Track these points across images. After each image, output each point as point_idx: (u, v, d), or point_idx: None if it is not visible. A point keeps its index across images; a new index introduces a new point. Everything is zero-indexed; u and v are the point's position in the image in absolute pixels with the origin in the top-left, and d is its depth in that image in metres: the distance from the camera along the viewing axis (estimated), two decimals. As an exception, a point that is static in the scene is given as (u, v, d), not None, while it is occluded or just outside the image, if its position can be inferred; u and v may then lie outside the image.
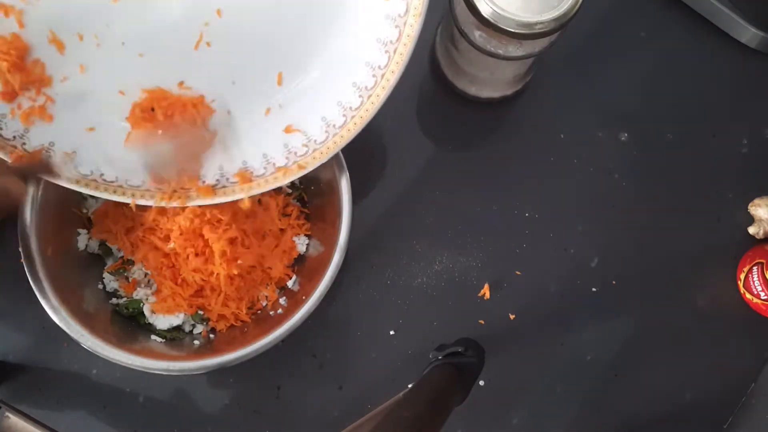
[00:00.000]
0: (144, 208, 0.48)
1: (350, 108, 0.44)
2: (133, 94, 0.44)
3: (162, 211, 0.48)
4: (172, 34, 0.43)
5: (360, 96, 0.43)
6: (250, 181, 0.45)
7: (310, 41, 0.44)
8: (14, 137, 0.42)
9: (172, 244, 0.47)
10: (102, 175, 0.44)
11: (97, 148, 0.44)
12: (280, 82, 0.45)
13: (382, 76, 0.43)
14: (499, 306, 0.53)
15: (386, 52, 0.42)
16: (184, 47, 0.43)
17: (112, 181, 0.44)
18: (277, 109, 0.45)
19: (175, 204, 0.45)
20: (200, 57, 0.44)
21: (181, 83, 0.44)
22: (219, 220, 0.47)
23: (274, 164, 0.45)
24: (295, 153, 0.45)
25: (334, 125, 0.44)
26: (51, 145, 0.43)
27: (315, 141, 0.45)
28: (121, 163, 0.44)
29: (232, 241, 0.47)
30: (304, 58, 0.44)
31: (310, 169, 0.44)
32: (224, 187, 0.45)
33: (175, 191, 0.44)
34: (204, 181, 0.45)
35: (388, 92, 0.43)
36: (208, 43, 0.43)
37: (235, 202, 0.49)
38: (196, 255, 0.47)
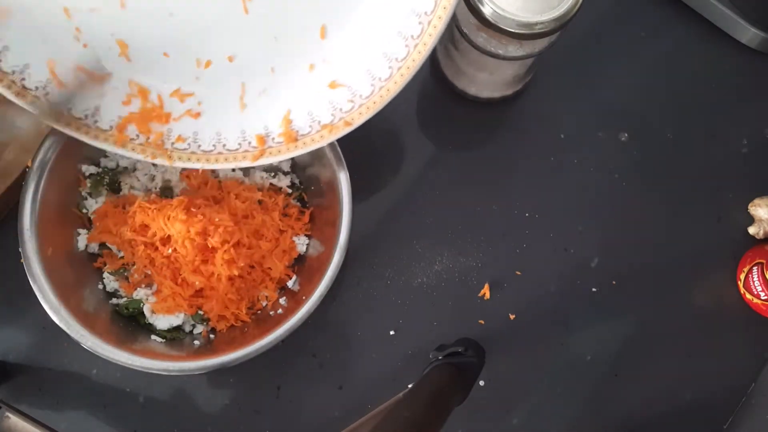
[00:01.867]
0: (133, 210, 0.48)
1: (396, 59, 0.42)
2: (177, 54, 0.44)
3: (152, 213, 0.47)
4: None
5: (406, 45, 0.42)
6: (296, 140, 0.44)
7: None
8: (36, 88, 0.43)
9: (169, 250, 0.47)
10: (148, 138, 0.45)
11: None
12: (323, 36, 0.44)
13: (429, 23, 0.41)
14: (499, 306, 0.53)
15: None
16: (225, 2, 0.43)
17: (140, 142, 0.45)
18: (320, 65, 0.44)
19: (217, 166, 0.45)
20: (238, 12, 0.43)
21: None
22: (224, 226, 0.47)
23: (319, 122, 0.44)
24: (341, 109, 0.44)
25: (380, 78, 0.43)
26: (97, 109, 0.44)
27: (361, 95, 0.44)
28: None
29: (234, 243, 0.47)
30: (346, 10, 0.43)
31: (357, 124, 0.44)
32: (270, 147, 0.45)
33: (220, 153, 0.45)
34: (250, 142, 0.45)
35: (435, 40, 0.41)
36: None
37: (233, 203, 0.49)
38: (197, 255, 0.47)
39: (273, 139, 0.45)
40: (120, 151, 0.45)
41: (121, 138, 0.44)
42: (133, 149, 0.45)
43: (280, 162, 0.52)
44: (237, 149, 0.45)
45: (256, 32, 0.44)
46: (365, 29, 0.44)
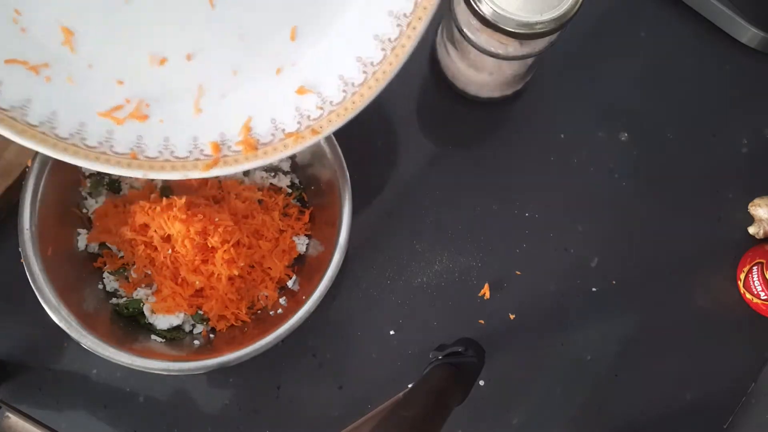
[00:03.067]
0: (133, 209, 0.48)
1: (371, 63, 0.39)
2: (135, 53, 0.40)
3: (152, 213, 0.47)
4: None
5: (383, 49, 0.39)
6: (256, 149, 0.40)
7: None
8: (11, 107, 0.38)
9: (169, 250, 0.47)
10: (84, 139, 0.39)
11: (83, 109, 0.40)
12: (293, 38, 0.40)
13: (408, 24, 0.38)
14: (499, 306, 0.53)
15: None
16: None
17: (93, 147, 0.39)
18: (288, 69, 0.41)
19: (162, 175, 0.40)
20: (203, 5, 0.39)
21: (190, 56, 0.40)
22: (224, 226, 0.47)
23: (283, 129, 0.40)
24: (308, 116, 0.40)
25: (352, 83, 0.40)
26: (29, 102, 0.39)
27: (331, 102, 0.40)
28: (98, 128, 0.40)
29: (234, 243, 0.47)
30: (320, 11, 0.40)
31: (325, 133, 0.40)
32: (225, 156, 0.40)
33: (167, 160, 0.40)
34: (202, 150, 0.40)
35: (415, 42, 0.39)
36: None
37: (233, 203, 0.49)
38: (196, 255, 0.47)
39: (229, 147, 0.40)
40: (47, 152, 0.39)
41: (51, 138, 0.38)
42: (65, 150, 0.39)
43: (280, 161, 0.52)
44: (187, 157, 0.40)
45: (221, 28, 0.40)
46: (339, 32, 0.41)
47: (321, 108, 0.40)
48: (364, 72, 0.40)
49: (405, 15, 0.39)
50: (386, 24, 0.39)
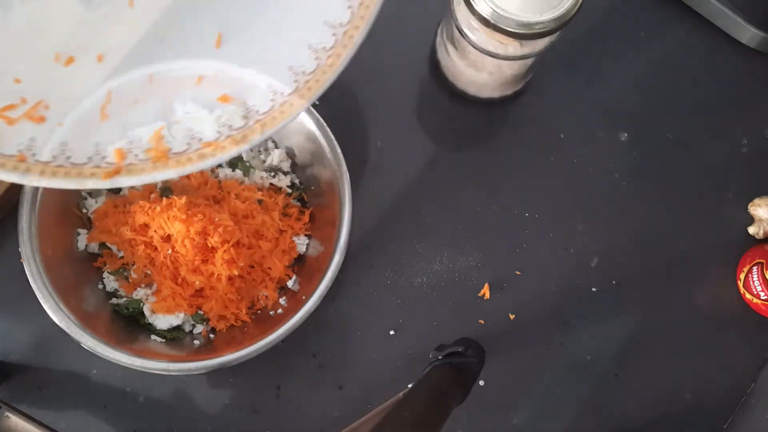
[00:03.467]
0: (133, 209, 0.47)
1: (303, 72, 0.37)
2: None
3: (152, 213, 0.47)
4: None
5: (317, 58, 0.37)
6: (167, 158, 0.36)
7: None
8: None
9: (169, 250, 0.47)
10: None
11: None
12: (218, 45, 0.38)
13: (345, 33, 0.37)
14: (499, 306, 0.53)
15: (349, 7, 0.37)
16: None
17: None
18: (211, 77, 0.38)
19: (53, 183, 0.35)
20: (124, 3, 0.37)
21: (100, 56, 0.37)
22: (224, 226, 0.47)
23: (200, 139, 0.37)
24: (230, 126, 0.37)
25: (282, 92, 0.37)
26: None
27: (257, 111, 0.37)
28: None
29: (234, 243, 0.47)
30: (251, 17, 0.38)
31: (249, 144, 0.37)
32: (131, 164, 0.36)
33: (61, 165, 0.36)
34: (104, 157, 0.37)
35: (352, 52, 0.37)
36: None
37: (233, 203, 0.49)
38: (196, 255, 0.47)
39: (136, 155, 0.36)
40: None
41: None
42: None
43: (280, 161, 0.52)
44: (85, 164, 0.36)
45: (139, 30, 0.37)
46: (269, 41, 0.38)
47: (245, 118, 0.37)
48: (296, 81, 0.37)
49: (341, 24, 0.37)
50: (321, 33, 0.38)
